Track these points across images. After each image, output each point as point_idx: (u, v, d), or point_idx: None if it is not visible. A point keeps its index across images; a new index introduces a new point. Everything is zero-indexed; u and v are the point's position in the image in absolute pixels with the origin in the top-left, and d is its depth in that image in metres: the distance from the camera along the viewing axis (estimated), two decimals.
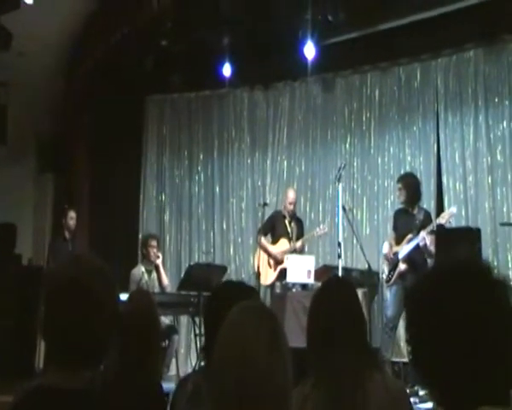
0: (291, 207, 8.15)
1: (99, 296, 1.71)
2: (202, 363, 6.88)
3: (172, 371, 8.04)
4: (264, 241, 8.20)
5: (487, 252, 7.30)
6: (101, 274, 1.77)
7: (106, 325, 1.72)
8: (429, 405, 5.73)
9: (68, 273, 1.74)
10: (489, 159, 7.84)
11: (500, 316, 1.29)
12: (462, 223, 7.70)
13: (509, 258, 7.45)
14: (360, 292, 7.60)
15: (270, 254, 8.10)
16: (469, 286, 1.31)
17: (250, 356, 1.58)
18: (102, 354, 1.77)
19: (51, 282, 1.77)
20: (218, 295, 2.54)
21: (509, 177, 7.67)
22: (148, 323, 2.84)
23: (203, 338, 7.28)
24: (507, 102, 7.85)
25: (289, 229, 8.16)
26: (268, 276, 8.03)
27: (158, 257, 8.06)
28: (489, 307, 1.29)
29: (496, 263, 7.39)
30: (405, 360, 7.17)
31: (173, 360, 8.03)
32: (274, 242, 8.19)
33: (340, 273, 7.01)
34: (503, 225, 7.17)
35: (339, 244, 7.10)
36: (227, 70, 8.93)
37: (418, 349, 1.35)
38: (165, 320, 8.04)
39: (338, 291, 2.58)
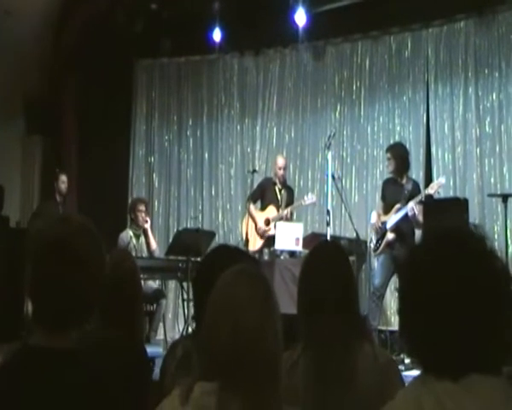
0: (281, 172, 8.13)
1: (85, 256, 1.70)
2: (191, 328, 6.99)
3: (160, 335, 8.10)
4: (253, 208, 8.22)
5: (474, 223, 7.37)
6: (88, 234, 1.75)
7: (92, 285, 1.71)
8: (415, 372, 5.83)
9: (55, 233, 1.73)
10: (478, 130, 7.89)
11: (492, 284, 1.31)
12: (451, 193, 7.76)
13: (496, 229, 7.52)
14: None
15: (255, 223, 8.13)
16: (461, 254, 1.33)
17: (242, 319, 1.60)
18: (88, 314, 1.76)
19: (37, 241, 1.75)
20: (210, 260, 2.52)
21: (497, 148, 7.73)
22: (129, 283, 2.80)
23: (191, 304, 7.33)
24: (496, 74, 7.88)
25: (279, 196, 8.16)
26: (256, 243, 8.06)
27: (146, 221, 8.06)
28: (480, 275, 1.31)
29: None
30: (392, 328, 7.28)
31: (161, 325, 8.09)
32: (262, 209, 8.21)
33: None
34: (490, 196, 7.23)
35: (328, 212, 7.11)
36: (217, 35, 8.87)
37: (410, 318, 1.37)
38: (153, 285, 8.08)
39: (328, 256, 2.55)
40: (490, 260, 1.34)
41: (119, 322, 2.64)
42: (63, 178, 8.58)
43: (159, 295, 7.98)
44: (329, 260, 2.54)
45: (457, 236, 1.39)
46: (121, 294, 2.69)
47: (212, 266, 2.35)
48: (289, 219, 8.08)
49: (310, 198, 8.05)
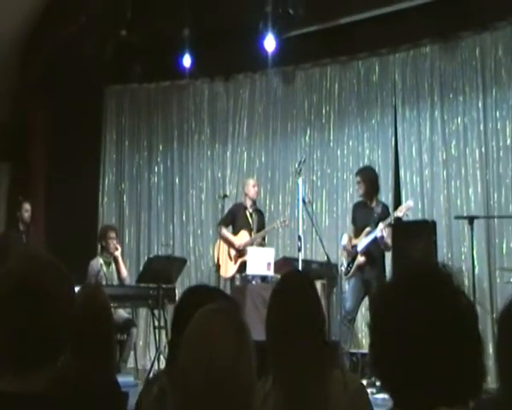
0: (255, 189, 8.19)
1: (50, 295, 1.65)
2: (162, 357, 6.94)
3: (131, 363, 8.04)
4: (225, 231, 8.22)
5: (442, 244, 7.47)
6: (52, 270, 1.70)
7: (61, 322, 1.67)
8: (386, 395, 5.85)
9: (14, 277, 1.66)
10: (444, 153, 8.00)
11: (459, 323, 1.34)
12: (419, 216, 7.85)
13: (463, 250, 7.59)
14: (319, 284, 7.71)
15: (231, 245, 8.12)
16: (431, 295, 1.36)
17: (215, 359, 1.61)
18: (59, 352, 1.71)
19: (2, 281, 1.68)
20: (184, 300, 2.54)
21: (463, 171, 7.84)
22: (102, 318, 2.78)
23: (162, 331, 7.27)
24: (461, 98, 8.01)
25: (250, 220, 8.20)
26: (228, 268, 8.06)
27: (117, 249, 8.02)
28: (448, 314, 1.34)
29: (450, 255, 7.58)
30: (363, 351, 7.30)
31: (131, 353, 8.03)
32: (234, 234, 8.22)
33: (299, 265, 7.06)
34: (457, 218, 7.32)
35: (299, 238, 7.12)
36: (187, 61, 8.89)
37: (380, 353, 1.40)
38: (124, 313, 8.01)
39: (296, 287, 2.58)
40: (457, 300, 1.37)
41: (92, 357, 2.62)
42: (26, 206, 8.52)
43: (129, 324, 7.91)
44: (296, 290, 2.57)
45: (427, 275, 1.42)
46: (94, 329, 2.67)
47: (188, 304, 2.38)
48: (263, 243, 8.12)
49: (282, 222, 8.09)
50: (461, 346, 1.32)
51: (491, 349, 5.59)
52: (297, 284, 2.64)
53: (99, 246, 8.19)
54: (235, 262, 8.05)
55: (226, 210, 8.34)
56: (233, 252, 8.09)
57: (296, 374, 2.39)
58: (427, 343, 1.31)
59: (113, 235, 8.07)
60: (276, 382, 2.41)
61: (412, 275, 1.43)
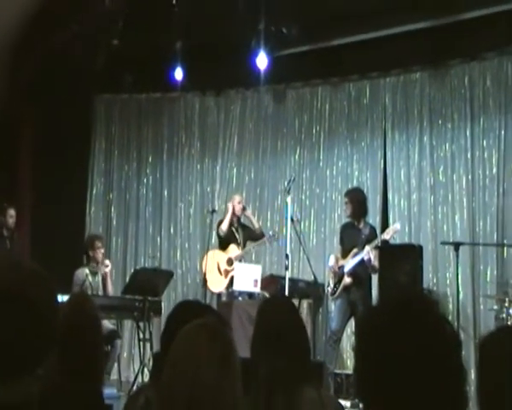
0: (240, 205, 8.24)
1: (32, 303, 1.63)
2: (146, 369, 6.95)
3: (114, 375, 8.03)
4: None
5: (428, 269, 7.60)
6: (35, 279, 1.69)
7: (44, 330, 1.65)
8: None
9: (3, 280, 1.65)
10: (432, 178, 8.14)
11: (443, 351, 1.38)
12: (406, 239, 7.98)
13: (448, 275, 7.74)
14: (305, 303, 7.80)
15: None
16: (417, 322, 1.40)
17: (199, 376, 1.63)
18: (40, 363, 1.69)
19: None
20: (175, 314, 2.57)
21: (450, 197, 7.98)
22: (88, 326, 2.68)
23: (147, 344, 7.27)
24: (449, 125, 8.17)
25: (237, 235, 8.24)
26: (218, 283, 8.07)
27: (107, 266, 7.99)
28: (432, 342, 1.38)
29: (435, 280, 7.71)
30: (348, 371, 7.38)
31: (115, 365, 8.02)
32: (223, 248, 8.24)
33: (286, 284, 7.12)
34: (443, 243, 7.45)
35: (286, 256, 7.18)
36: (179, 74, 8.91)
37: (363, 377, 1.44)
38: (109, 325, 7.98)
39: (279, 310, 2.71)
40: (442, 327, 1.41)
41: (78, 368, 2.55)
42: (11, 212, 8.46)
43: (114, 335, 7.86)
44: (281, 314, 2.67)
45: (413, 301, 1.46)
46: (81, 339, 2.61)
47: (179, 319, 2.41)
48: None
49: (271, 235, 8.16)
50: (444, 373, 1.36)
51: (473, 375, 5.69)
52: (281, 305, 2.77)
53: (85, 256, 8.14)
54: (226, 276, 8.07)
55: (214, 225, 8.36)
56: (223, 266, 8.12)
57: (269, 386, 2.46)
58: (411, 369, 1.35)
59: (99, 245, 8.04)
60: (253, 397, 2.45)
61: (399, 301, 1.46)
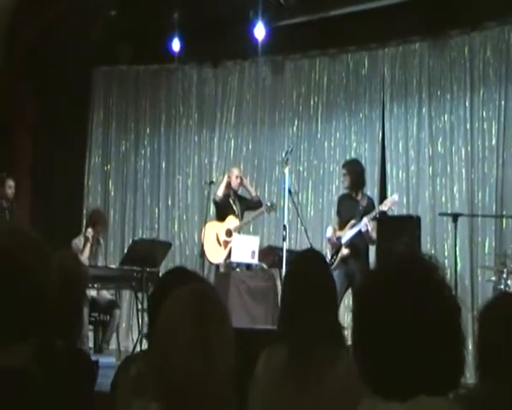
0: (238, 181, 8.22)
1: (28, 269, 1.64)
2: (145, 339, 6.98)
3: (113, 345, 8.07)
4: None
5: (426, 240, 7.60)
6: (35, 246, 1.71)
7: (38, 297, 1.66)
8: None
9: None
10: (430, 150, 8.11)
11: (442, 314, 1.38)
12: (404, 211, 7.97)
13: (446, 247, 7.75)
14: None
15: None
16: (416, 285, 1.39)
17: (200, 340, 1.61)
18: (35, 328, 1.69)
19: None
20: (160, 283, 2.58)
21: (449, 168, 7.96)
22: (68, 283, 2.53)
23: (145, 314, 7.29)
24: (448, 96, 8.11)
25: (234, 207, 8.23)
26: (217, 254, 8.05)
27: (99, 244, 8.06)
28: (431, 304, 1.38)
29: (433, 251, 7.70)
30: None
31: (114, 335, 8.06)
32: (221, 219, 8.21)
33: (284, 255, 7.13)
34: (441, 215, 7.45)
35: (284, 227, 7.19)
36: (176, 45, 8.86)
37: (362, 341, 1.44)
38: (107, 295, 8.03)
39: (314, 261, 2.74)
40: (442, 291, 1.41)
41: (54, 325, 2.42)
42: (10, 182, 8.46)
43: (113, 305, 7.94)
44: (314, 264, 2.72)
45: (414, 264, 1.45)
46: (61, 295, 2.56)
47: (164, 286, 2.38)
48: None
49: (269, 205, 8.15)
50: (443, 337, 1.36)
51: (470, 345, 5.70)
52: (315, 258, 2.79)
53: (85, 227, 8.14)
54: (225, 247, 8.05)
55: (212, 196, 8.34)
56: (222, 237, 8.11)
57: (309, 339, 2.48)
58: (410, 332, 1.35)
59: (101, 229, 8.07)
60: (288, 346, 2.49)
61: (399, 265, 1.46)
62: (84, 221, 8.28)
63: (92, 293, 7.67)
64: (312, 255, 2.86)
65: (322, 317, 2.54)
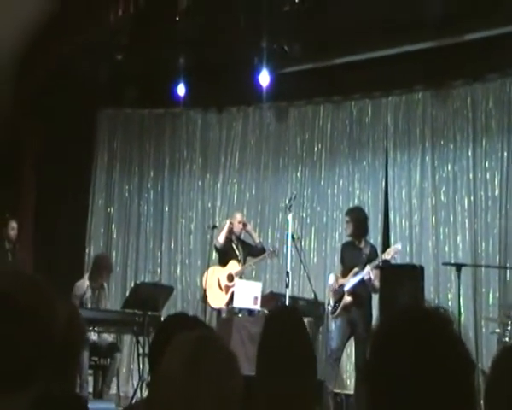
0: (240, 226, 8.23)
1: (32, 313, 1.60)
2: (145, 385, 6.92)
3: (113, 390, 7.99)
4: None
5: (429, 290, 7.58)
6: (38, 289, 1.67)
7: (39, 343, 1.61)
8: None
9: None
10: (433, 199, 8.14)
11: (456, 370, 1.37)
12: (407, 260, 7.96)
13: (449, 297, 7.72)
14: (306, 321, 7.75)
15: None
16: (432, 341, 1.38)
17: (205, 386, 1.59)
18: (35, 375, 1.63)
19: None
20: (161, 330, 2.55)
21: (452, 218, 7.98)
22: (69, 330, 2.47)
23: (146, 359, 7.25)
24: (451, 146, 8.18)
25: (237, 251, 8.23)
26: (218, 299, 8.04)
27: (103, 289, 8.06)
28: (447, 361, 1.36)
29: (436, 301, 7.67)
30: (348, 391, 7.35)
31: (114, 380, 7.98)
32: (223, 264, 8.21)
33: (286, 302, 7.12)
34: (445, 264, 7.43)
35: (287, 274, 7.18)
36: (181, 90, 8.94)
37: (375, 396, 1.41)
38: (108, 338, 7.97)
39: (290, 323, 2.65)
40: (458, 347, 1.40)
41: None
42: (13, 224, 8.48)
43: (113, 348, 7.86)
44: (288, 327, 2.64)
45: (428, 320, 1.44)
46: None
47: (166, 332, 2.37)
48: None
49: (272, 252, 8.15)
50: (457, 392, 1.35)
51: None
52: (291, 319, 2.72)
53: (90, 271, 8.07)
54: (227, 292, 8.04)
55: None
56: (224, 282, 8.10)
57: (278, 405, 2.42)
58: (424, 388, 1.33)
59: (106, 275, 8.06)
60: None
61: (408, 315, 1.45)
62: (91, 265, 8.21)
63: (93, 337, 7.62)
64: (288, 315, 2.80)
65: (298, 382, 2.48)
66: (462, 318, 7.00)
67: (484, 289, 7.55)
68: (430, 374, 1.34)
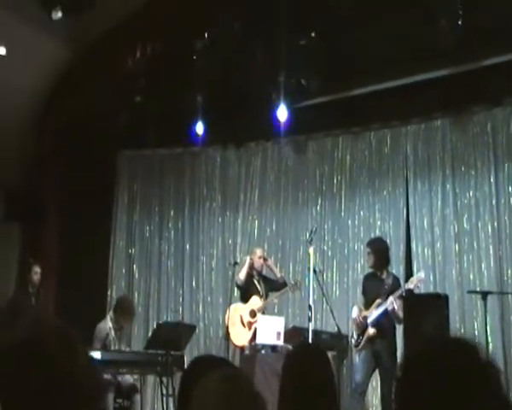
0: (261, 261, 8.18)
1: (54, 358, 1.59)
2: None
3: None
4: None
5: (455, 319, 7.41)
6: (59, 336, 1.65)
7: (64, 390, 1.59)
8: None
9: (23, 335, 1.63)
10: (456, 226, 8.02)
11: (492, 400, 1.32)
12: (431, 289, 7.82)
13: (476, 326, 7.55)
14: (329, 355, 7.62)
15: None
16: (463, 371, 1.34)
17: None
18: None
19: (3, 343, 1.63)
20: (191, 369, 2.53)
21: (475, 245, 7.84)
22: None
23: (170, 399, 7.18)
24: (473, 172, 8.08)
25: (259, 287, 8.19)
26: (241, 336, 7.96)
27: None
28: (482, 392, 1.32)
29: (463, 330, 7.51)
30: None
31: None
32: (245, 300, 8.16)
33: (310, 336, 7.02)
34: (470, 292, 7.29)
35: (309, 307, 7.12)
36: (200, 128, 9.00)
37: None
38: (129, 379, 7.90)
39: (310, 360, 2.59)
40: (489, 376, 1.36)
41: None
42: (36, 269, 8.58)
43: (132, 390, 7.76)
44: (310, 363, 2.56)
45: (455, 350, 1.41)
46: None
47: (195, 373, 2.34)
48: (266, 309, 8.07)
49: (293, 284, 8.07)
50: None
51: None
52: (313, 355, 2.64)
53: (113, 312, 8.03)
54: (250, 328, 7.96)
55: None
56: (246, 318, 8.03)
57: None
58: None
59: (130, 318, 8.07)
60: None
61: (439, 348, 1.42)
62: (113, 307, 8.19)
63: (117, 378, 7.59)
64: (312, 352, 2.75)
65: None
66: (490, 347, 6.78)
67: (511, 317, 7.36)
68: (462, 404, 1.31)
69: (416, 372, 1.40)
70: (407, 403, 1.39)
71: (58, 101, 9.36)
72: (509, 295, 7.42)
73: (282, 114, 8.44)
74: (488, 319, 6.65)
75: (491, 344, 6.89)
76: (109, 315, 8.00)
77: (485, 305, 6.52)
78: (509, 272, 7.55)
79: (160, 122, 9.28)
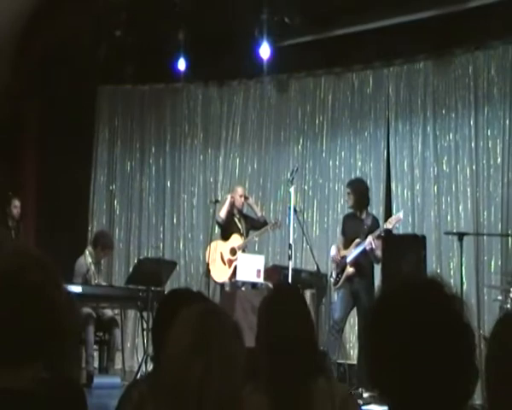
0: (242, 199, 8.23)
1: (37, 291, 1.63)
2: (150, 359, 6.97)
3: (118, 365, 8.06)
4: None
5: (431, 259, 7.57)
6: (40, 266, 1.68)
7: (45, 319, 1.64)
8: (373, 407, 5.94)
9: (5, 265, 1.66)
10: (436, 168, 8.10)
11: (458, 329, 1.38)
12: (409, 230, 7.95)
13: (452, 266, 7.71)
14: (309, 293, 7.80)
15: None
16: (427, 302, 1.39)
17: (215, 361, 1.60)
18: (43, 351, 1.67)
19: None
20: (165, 304, 2.53)
21: (454, 187, 7.94)
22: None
23: (150, 333, 7.31)
24: (453, 115, 8.11)
25: (239, 225, 8.23)
26: (222, 273, 8.06)
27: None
28: (447, 320, 1.38)
29: (439, 270, 7.68)
30: (351, 361, 7.39)
31: (119, 355, 8.03)
32: (226, 238, 8.22)
33: (289, 274, 7.14)
34: (447, 233, 7.42)
35: (289, 246, 7.22)
36: (182, 64, 8.89)
37: (378, 365, 1.42)
38: (109, 312, 7.98)
39: (287, 300, 2.62)
40: (454, 306, 1.40)
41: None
42: (16, 202, 8.53)
43: (111, 324, 7.87)
44: (288, 303, 2.61)
45: (419, 284, 1.47)
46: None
47: (164, 310, 2.39)
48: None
49: (274, 223, 8.15)
50: (456, 354, 1.36)
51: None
52: (290, 295, 2.70)
53: (92, 246, 8.07)
54: (230, 266, 8.05)
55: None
56: (227, 256, 8.11)
57: (284, 380, 2.41)
58: (424, 352, 1.34)
59: (109, 253, 8.20)
60: (263, 387, 2.41)
61: (411, 285, 1.46)
62: (92, 241, 8.23)
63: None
64: (287, 292, 2.76)
65: (302, 355, 2.46)
66: (465, 286, 6.96)
67: (486, 258, 7.53)
68: (430, 341, 1.35)
69: (386, 306, 1.44)
70: (377, 337, 1.43)
71: (35, 32, 9.14)
72: (485, 237, 7.57)
73: (265, 51, 8.38)
74: (464, 259, 6.79)
75: (465, 283, 7.08)
76: (88, 250, 8.03)
77: (461, 246, 6.63)
78: (485, 214, 7.68)
79: (142, 58, 9.14)
